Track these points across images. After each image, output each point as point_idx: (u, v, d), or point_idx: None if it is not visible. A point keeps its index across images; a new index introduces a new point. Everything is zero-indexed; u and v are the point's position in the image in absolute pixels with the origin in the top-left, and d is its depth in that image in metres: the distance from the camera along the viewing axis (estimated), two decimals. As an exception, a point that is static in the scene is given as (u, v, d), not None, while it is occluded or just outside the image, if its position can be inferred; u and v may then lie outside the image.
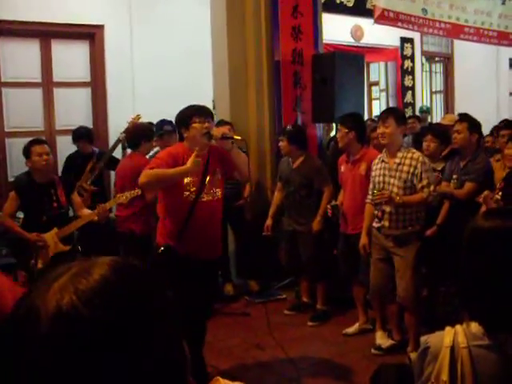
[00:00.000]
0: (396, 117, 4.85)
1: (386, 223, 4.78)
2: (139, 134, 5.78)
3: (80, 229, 5.13)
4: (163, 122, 6.25)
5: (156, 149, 6.21)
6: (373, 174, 4.96)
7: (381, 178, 4.84)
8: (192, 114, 4.24)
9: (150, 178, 4.07)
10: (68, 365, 0.67)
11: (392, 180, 4.76)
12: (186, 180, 4.18)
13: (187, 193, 4.19)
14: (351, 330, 5.48)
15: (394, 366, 2.72)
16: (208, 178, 4.27)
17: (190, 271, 4.14)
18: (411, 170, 4.68)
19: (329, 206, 5.63)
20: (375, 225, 4.89)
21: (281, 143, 5.95)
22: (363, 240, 5.02)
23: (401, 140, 4.98)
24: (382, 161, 4.88)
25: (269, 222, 6.08)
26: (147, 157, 5.80)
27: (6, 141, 8.02)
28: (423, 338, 1.75)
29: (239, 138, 4.44)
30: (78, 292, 0.70)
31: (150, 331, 0.73)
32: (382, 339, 5.15)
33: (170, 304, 0.78)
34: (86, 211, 5.08)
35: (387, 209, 4.74)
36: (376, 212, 4.85)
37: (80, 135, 7.05)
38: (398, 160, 4.75)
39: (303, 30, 6.97)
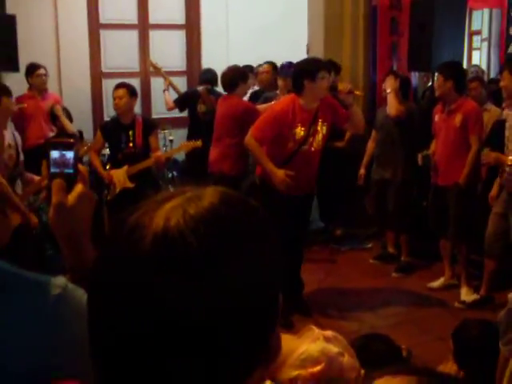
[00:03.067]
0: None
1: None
2: (236, 76, 5.72)
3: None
4: (290, 64, 6.16)
5: (255, 88, 6.22)
6: (506, 133, 4.68)
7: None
8: (320, 67, 4.54)
9: (253, 150, 4.75)
10: (165, 288, 0.66)
11: None
12: (296, 130, 4.53)
13: (291, 144, 4.55)
14: (436, 283, 5.40)
15: (477, 322, 2.66)
16: (313, 129, 4.56)
17: (284, 204, 4.47)
18: None
19: (420, 155, 5.47)
20: (507, 169, 4.60)
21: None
22: (493, 192, 4.87)
23: None
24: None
25: (362, 171, 6.03)
26: (246, 97, 5.83)
27: (103, 81, 8.27)
28: (511, 295, 1.69)
29: (361, 93, 4.67)
30: (186, 216, 0.69)
31: (255, 270, 0.71)
32: (467, 295, 5.06)
33: (274, 241, 0.76)
34: (157, 154, 5.52)
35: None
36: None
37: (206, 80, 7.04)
38: None
39: (403, -26, 6.70)
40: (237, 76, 5.73)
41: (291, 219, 4.53)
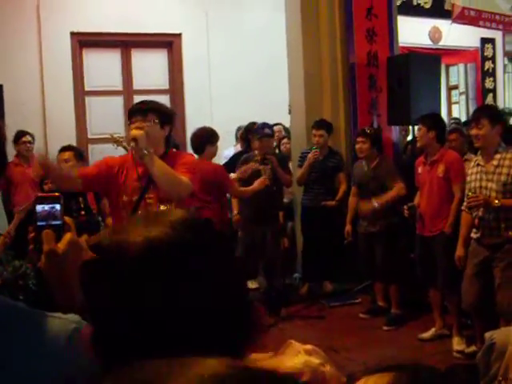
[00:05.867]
0: (490, 116, 4.55)
1: (486, 231, 4.47)
2: (203, 139, 5.69)
3: None
4: (264, 126, 6.29)
5: (231, 152, 6.33)
6: (468, 179, 4.69)
7: (477, 184, 4.54)
8: None
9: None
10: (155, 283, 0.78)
11: (489, 184, 4.45)
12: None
13: None
14: (427, 334, 5.37)
15: (463, 366, 2.66)
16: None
17: None
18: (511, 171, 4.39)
19: (405, 207, 5.54)
20: (473, 235, 4.61)
21: (360, 145, 5.86)
22: (459, 251, 4.76)
23: (497, 140, 4.55)
24: (478, 164, 4.59)
25: (348, 227, 6.08)
26: (226, 158, 5.90)
27: (89, 147, 8.36)
28: (488, 334, 1.72)
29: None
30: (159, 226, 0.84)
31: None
32: (459, 345, 5.03)
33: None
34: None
35: (480, 213, 4.47)
36: (475, 220, 4.55)
37: None
38: (495, 162, 4.45)
39: (378, 33, 6.92)
40: (204, 139, 5.69)
41: None
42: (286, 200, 7.28)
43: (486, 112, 4.74)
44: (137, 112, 3.47)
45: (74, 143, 8.11)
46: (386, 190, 5.77)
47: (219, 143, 5.84)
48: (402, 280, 5.79)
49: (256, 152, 6.24)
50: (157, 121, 3.47)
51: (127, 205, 3.42)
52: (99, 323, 0.82)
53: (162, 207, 3.41)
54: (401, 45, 7.46)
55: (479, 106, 6.60)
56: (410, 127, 6.95)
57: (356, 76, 6.88)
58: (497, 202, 4.35)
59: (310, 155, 6.30)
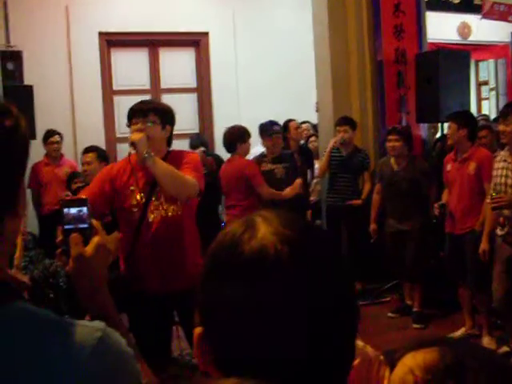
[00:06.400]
0: None
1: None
2: (234, 138, 5.77)
3: None
4: (272, 123, 6.31)
5: (261, 149, 6.33)
6: (494, 173, 4.62)
7: (502, 180, 4.49)
8: None
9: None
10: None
11: None
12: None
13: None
14: (457, 334, 5.31)
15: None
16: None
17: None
18: None
19: (436, 205, 5.47)
20: (499, 232, 4.55)
21: (393, 143, 5.80)
22: (483, 245, 4.73)
23: None
24: (504, 160, 4.54)
25: (373, 226, 6.04)
26: (251, 157, 5.91)
27: (117, 146, 8.43)
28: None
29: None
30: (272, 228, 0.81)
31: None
32: (490, 345, 4.95)
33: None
34: None
35: (506, 212, 4.38)
36: (500, 218, 4.48)
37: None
38: None
39: (406, 29, 6.85)
40: (235, 137, 5.75)
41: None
42: (313, 198, 7.25)
43: None
44: (137, 113, 3.38)
45: (102, 142, 8.22)
46: (418, 190, 5.69)
47: (250, 141, 5.87)
48: (431, 279, 5.73)
49: (267, 151, 6.23)
50: (158, 121, 3.39)
51: (135, 208, 3.37)
52: (219, 326, 0.81)
53: (170, 208, 3.37)
54: (429, 41, 7.38)
55: (508, 102, 6.48)
56: (439, 124, 6.89)
57: (384, 73, 6.83)
58: None
59: (330, 142, 6.31)
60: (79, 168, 7.12)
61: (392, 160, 5.85)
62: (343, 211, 6.37)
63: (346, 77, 6.85)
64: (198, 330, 0.83)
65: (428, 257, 5.78)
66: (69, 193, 6.70)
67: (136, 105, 3.48)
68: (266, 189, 5.66)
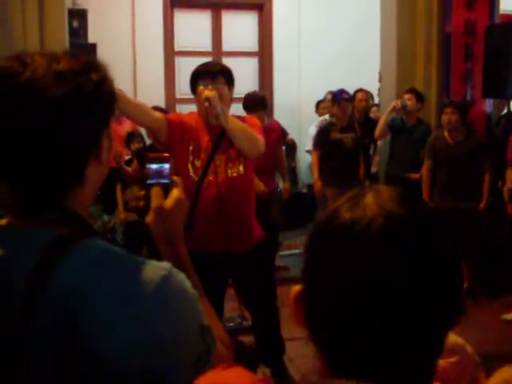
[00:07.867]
0: None
1: None
2: (259, 102, 5.67)
3: None
4: (341, 91, 6.31)
5: (323, 117, 6.33)
6: None
7: None
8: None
9: None
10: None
11: None
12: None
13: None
14: (511, 315, 5.23)
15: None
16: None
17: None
18: None
19: (505, 189, 5.32)
20: None
21: (449, 116, 5.65)
22: None
23: None
24: None
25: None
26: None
27: (177, 107, 8.48)
28: None
29: None
30: (387, 207, 0.79)
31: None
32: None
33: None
34: None
35: None
36: None
37: None
38: None
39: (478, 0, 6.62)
40: (259, 102, 5.67)
41: None
42: (374, 169, 7.20)
43: None
44: (206, 74, 3.43)
45: (162, 103, 8.29)
46: (475, 165, 5.56)
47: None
48: (488, 259, 5.63)
49: (336, 119, 6.25)
50: (225, 83, 3.46)
51: (197, 167, 3.39)
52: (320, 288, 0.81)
53: (230, 170, 3.41)
54: (502, 12, 7.11)
55: None
56: (508, 101, 6.67)
57: (451, 45, 6.63)
58: None
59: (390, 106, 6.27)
60: (138, 128, 7.23)
61: (446, 134, 5.70)
62: (402, 183, 6.25)
63: (412, 47, 6.67)
64: (296, 287, 0.84)
65: (483, 236, 5.66)
66: (128, 151, 6.82)
67: (203, 66, 3.53)
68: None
